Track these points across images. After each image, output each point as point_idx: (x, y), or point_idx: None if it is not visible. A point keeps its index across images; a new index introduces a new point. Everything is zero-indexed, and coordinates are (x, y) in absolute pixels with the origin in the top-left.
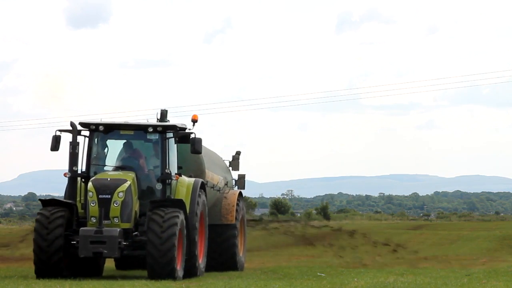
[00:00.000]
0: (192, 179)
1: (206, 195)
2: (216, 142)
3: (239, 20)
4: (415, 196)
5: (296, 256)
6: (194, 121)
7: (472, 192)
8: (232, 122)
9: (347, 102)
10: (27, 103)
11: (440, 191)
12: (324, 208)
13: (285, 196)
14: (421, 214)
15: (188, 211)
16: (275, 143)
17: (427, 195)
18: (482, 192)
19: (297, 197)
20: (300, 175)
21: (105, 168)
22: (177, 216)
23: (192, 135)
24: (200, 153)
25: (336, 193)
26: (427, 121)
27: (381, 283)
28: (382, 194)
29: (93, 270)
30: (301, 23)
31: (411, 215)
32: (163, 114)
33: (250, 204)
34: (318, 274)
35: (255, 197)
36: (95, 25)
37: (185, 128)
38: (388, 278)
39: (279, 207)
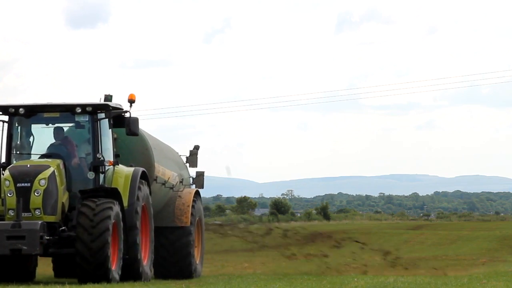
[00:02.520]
0: (132, 168)
1: (150, 187)
2: (216, 142)
3: (239, 20)
4: (415, 196)
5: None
6: (131, 101)
7: (472, 192)
8: (232, 122)
9: (347, 102)
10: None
11: (440, 191)
12: (324, 208)
13: (285, 196)
14: (421, 214)
15: (127, 203)
16: (275, 143)
17: (427, 195)
18: (482, 192)
19: (297, 197)
20: (300, 175)
21: (32, 157)
22: (111, 208)
23: (127, 115)
24: (137, 134)
25: (336, 193)
26: (427, 121)
27: (381, 283)
28: (382, 194)
29: (19, 273)
30: (301, 23)
31: (411, 215)
32: (107, 100)
33: (250, 204)
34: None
35: (255, 197)
36: (94, 25)
37: (121, 109)
38: (388, 278)
39: (279, 207)
